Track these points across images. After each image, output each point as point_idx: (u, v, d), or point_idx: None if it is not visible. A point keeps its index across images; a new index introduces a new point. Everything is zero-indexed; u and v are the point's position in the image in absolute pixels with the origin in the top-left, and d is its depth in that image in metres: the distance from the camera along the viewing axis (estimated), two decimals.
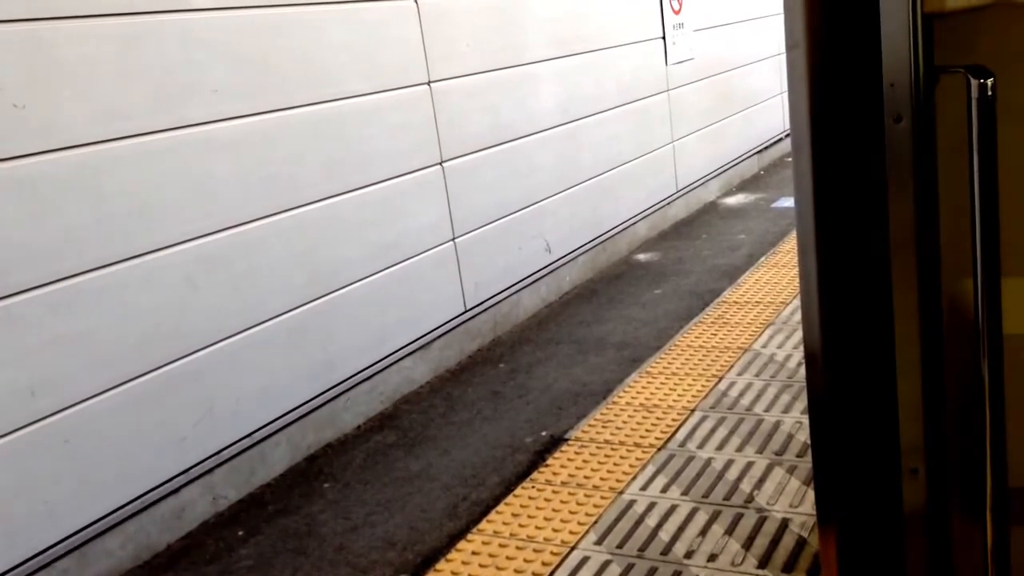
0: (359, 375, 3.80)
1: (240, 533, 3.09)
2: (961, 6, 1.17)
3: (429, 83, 4.12)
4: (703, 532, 2.64)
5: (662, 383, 3.70)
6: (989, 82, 1.12)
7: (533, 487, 3.02)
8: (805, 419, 3.25)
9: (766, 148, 8.16)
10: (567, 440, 3.33)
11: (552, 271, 5.12)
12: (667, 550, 2.58)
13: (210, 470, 3.19)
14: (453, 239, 4.34)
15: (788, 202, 6.92)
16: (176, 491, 3.08)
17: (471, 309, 4.47)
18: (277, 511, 3.21)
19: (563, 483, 3.02)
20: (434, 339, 4.21)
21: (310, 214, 3.55)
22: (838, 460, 1.31)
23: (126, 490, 2.94)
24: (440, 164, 4.22)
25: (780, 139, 8.34)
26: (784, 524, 2.62)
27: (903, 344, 1.24)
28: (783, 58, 1.44)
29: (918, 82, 1.14)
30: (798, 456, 2.98)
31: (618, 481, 2.98)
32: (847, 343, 1.29)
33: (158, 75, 2.99)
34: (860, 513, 1.35)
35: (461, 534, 2.86)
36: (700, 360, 3.87)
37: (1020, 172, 1.26)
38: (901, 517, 1.31)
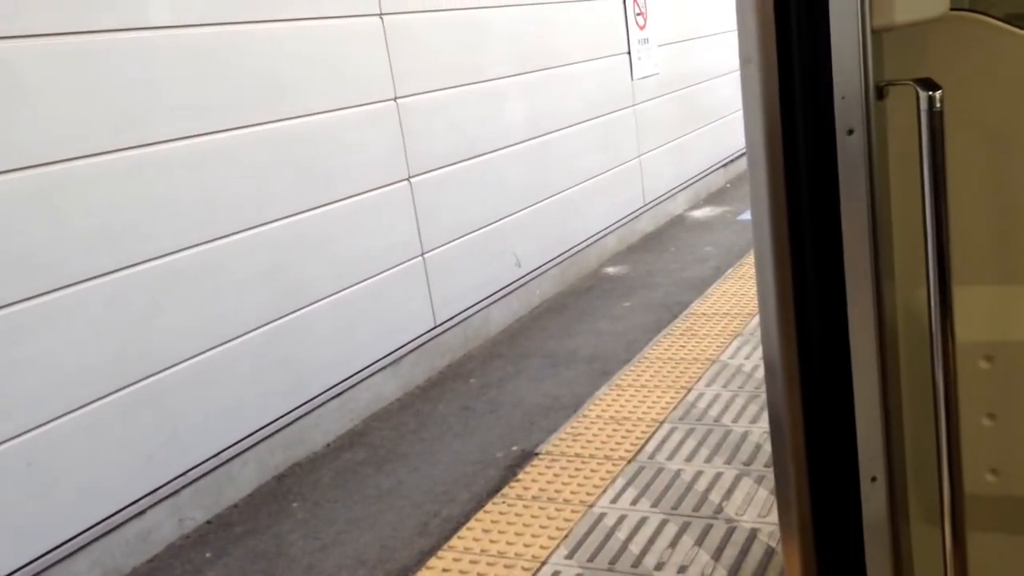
0: (328, 392, 3.78)
1: (208, 555, 3.06)
2: (909, 20, 1.19)
3: (395, 99, 4.12)
4: (673, 544, 2.65)
5: (632, 395, 3.71)
6: (937, 94, 1.15)
7: (504, 502, 3.01)
8: None
9: (732, 161, 8.24)
10: (538, 454, 3.33)
11: (522, 285, 5.13)
12: (637, 563, 2.59)
13: (177, 491, 3.15)
14: (422, 254, 4.33)
15: None
16: (142, 513, 3.04)
17: (441, 324, 4.46)
18: (245, 532, 3.17)
19: (534, 497, 3.02)
20: (404, 355, 4.20)
21: (276, 231, 3.54)
22: (798, 470, 1.32)
23: (91, 513, 2.90)
24: (408, 179, 4.22)
25: (745, 152, 8.42)
26: (753, 534, 2.64)
27: (859, 354, 1.26)
28: None
29: (868, 95, 1.16)
30: (766, 466, 3.00)
31: (588, 494, 2.99)
32: (805, 354, 1.31)
33: (118, 93, 2.97)
34: (821, 522, 1.36)
35: (432, 551, 2.85)
36: (669, 372, 3.89)
37: (969, 182, 1.29)
38: (861, 524, 1.32)
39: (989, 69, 1.27)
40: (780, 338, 1.31)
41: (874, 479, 1.29)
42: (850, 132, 1.18)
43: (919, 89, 1.15)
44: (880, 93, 1.22)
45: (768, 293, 1.30)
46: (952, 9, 1.25)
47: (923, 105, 1.14)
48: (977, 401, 1.34)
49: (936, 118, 1.14)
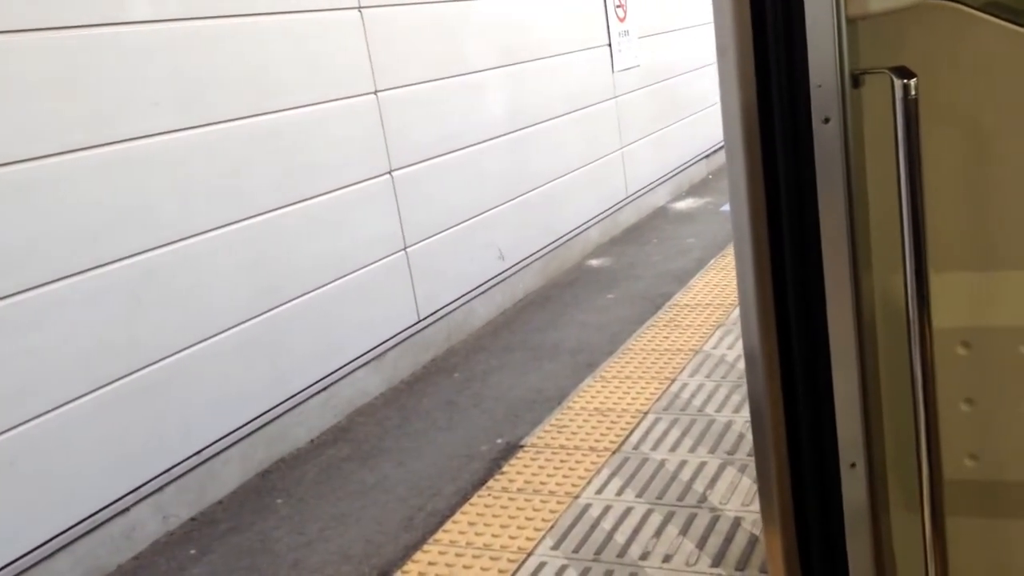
0: (311, 388, 3.77)
1: (192, 552, 3.05)
2: (884, 8, 1.20)
3: (376, 92, 4.10)
4: (658, 533, 2.66)
5: (616, 387, 3.72)
6: (912, 82, 1.15)
7: (489, 495, 3.01)
8: None
9: (714, 152, 8.26)
10: (523, 447, 3.34)
11: (505, 278, 5.13)
12: (623, 553, 2.59)
13: (160, 488, 3.14)
14: (404, 248, 4.33)
15: None
16: (126, 511, 3.02)
17: (424, 319, 4.46)
18: (229, 528, 3.16)
19: (519, 490, 3.02)
20: (387, 350, 4.19)
21: (257, 226, 3.52)
22: (779, 458, 1.33)
23: (74, 511, 2.88)
24: (389, 173, 4.21)
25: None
26: (737, 523, 2.65)
27: (838, 341, 1.27)
28: None
29: (844, 83, 1.17)
30: (749, 455, 3.02)
31: (574, 486, 2.99)
32: (785, 343, 1.32)
33: (96, 89, 2.94)
34: (802, 509, 1.37)
35: (417, 545, 2.85)
36: (653, 363, 3.90)
37: (945, 169, 1.30)
38: (842, 511, 1.33)
39: (964, 57, 1.28)
40: (760, 328, 1.31)
41: (853, 465, 1.30)
42: (826, 120, 1.18)
43: (894, 77, 1.16)
44: (856, 81, 1.23)
45: (747, 283, 1.31)
46: None
47: (898, 93, 1.15)
48: (955, 387, 1.35)
49: (911, 106, 1.15)
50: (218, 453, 3.35)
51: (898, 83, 1.15)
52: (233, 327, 3.43)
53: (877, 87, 1.24)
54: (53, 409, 2.82)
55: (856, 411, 1.28)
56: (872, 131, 1.27)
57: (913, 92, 1.15)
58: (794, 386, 1.33)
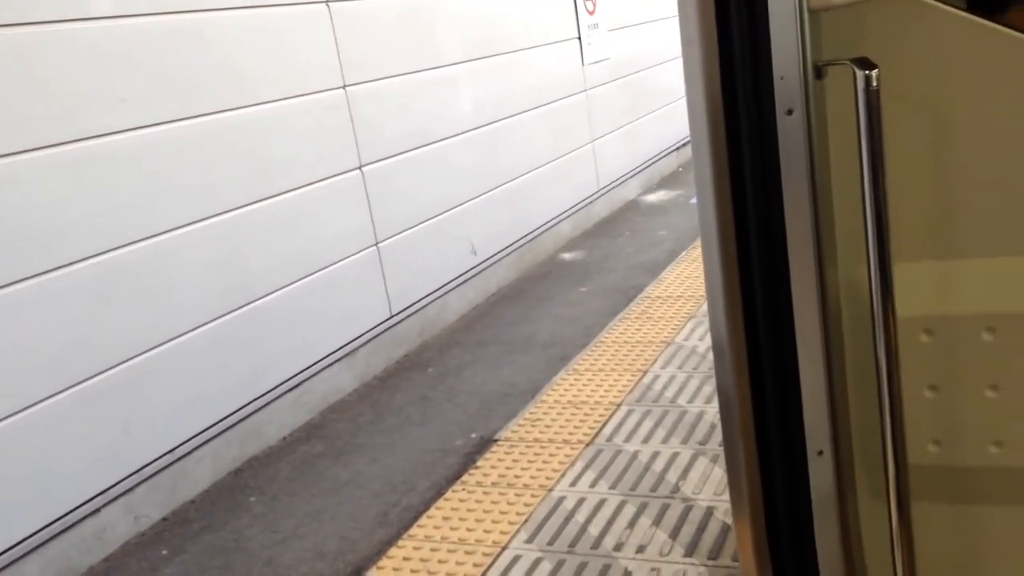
0: (283, 385, 3.75)
1: (164, 552, 3.02)
2: (845, 0, 1.21)
3: (344, 87, 4.08)
4: (631, 524, 2.68)
5: (589, 379, 3.73)
6: (873, 73, 1.17)
7: (464, 489, 3.02)
8: None
9: (684, 145, 8.30)
10: (497, 441, 3.34)
11: (478, 273, 5.13)
12: (597, 544, 2.61)
13: (131, 488, 3.11)
14: (376, 244, 4.31)
15: None
16: (96, 511, 3.00)
17: (397, 314, 4.45)
18: (202, 528, 3.14)
19: (493, 484, 3.02)
20: (360, 346, 4.18)
21: (226, 223, 3.49)
22: (747, 447, 1.34)
23: (44, 512, 2.85)
24: (359, 168, 4.19)
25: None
26: (709, 512, 2.67)
27: (804, 331, 1.28)
28: None
29: (807, 75, 1.18)
30: (721, 445, 3.04)
31: (548, 479, 3.00)
32: (752, 334, 1.33)
33: (61, 86, 2.90)
34: (771, 497, 1.39)
35: (392, 541, 2.84)
36: (625, 355, 3.92)
37: (908, 160, 1.31)
38: (810, 498, 1.35)
39: (926, 48, 1.29)
40: (727, 320, 1.33)
41: (821, 453, 1.32)
42: (789, 112, 1.19)
43: (856, 68, 1.17)
44: (819, 73, 1.24)
45: (715, 275, 1.32)
46: None
47: (860, 84, 1.16)
48: (919, 374, 1.37)
49: (873, 96, 1.16)
50: (190, 452, 3.33)
51: (859, 74, 1.16)
52: (203, 325, 3.40)
53: (839, 78, 1.26)
54: (21, 410, 2.79)
55: (822, 400, 1.30)
56: (835, 122, 1.28)
57: (875, 83, 1.16)
58: (762, 377, 1.35)
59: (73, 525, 2.92)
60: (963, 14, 1.28)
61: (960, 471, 1.42)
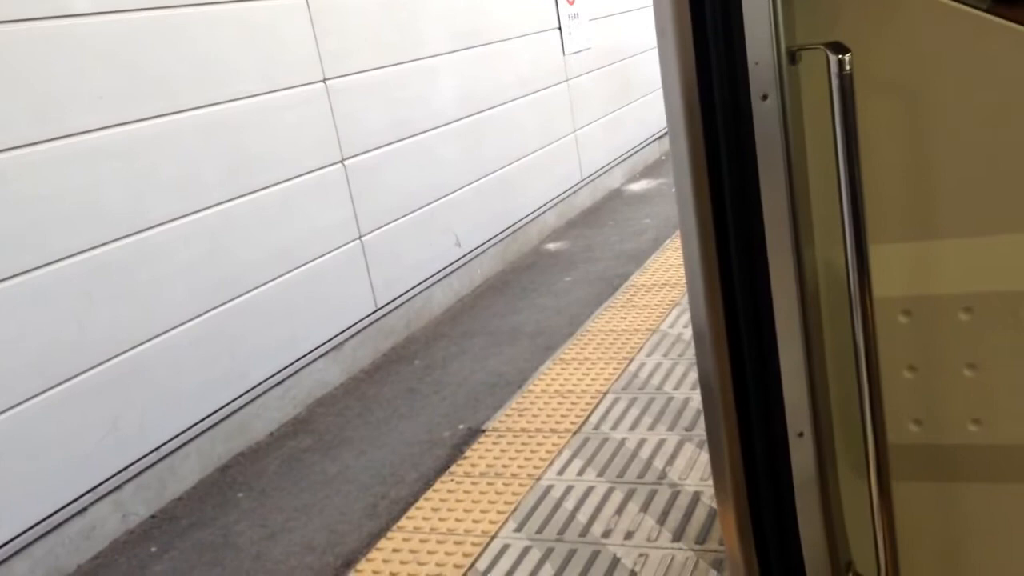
0: (270, 380, 3.74)
1: (153, 549, 3.02)
2: None
3: (324, 80, 4.07)
4: (619, 511, 2.69)
5: (575, 368, 3.75)
6: (846, 57, 1.17)
7: (452, 480, 3.03)
8: None
9: (666, 133, 8.30)
10: (484, 431, 3.35)
11: (463, 264, 5.13)
12: (585, 531, 2.62)
13: (119, 486, 3.10)
14: (359, 237, 4.31)
15: None
16: (84, 510, 2.99)
17: (383, 307, 4.45)
18: (191, 524, 3.14)
19: (481, 474, 3.03)
20: (346, 339, 4.18)
21: (210, 218, 3.48)
22: (729, 431, 1.36)
23: (32, 512, 2.84)
24: (341, 162, 4.18)
25: None
26: (696, 497, 2.69)
27: (783, 314, 1.29)
28: None
29: (780, 60, 1.19)
30: None
31: (535, 468, 3.02)
32: (732, 318, 1.34)
33: (40, 84, 2.89)
34: (754, 479, 1.40)
35: (381, 533, 2.85)
36: (611, 344, 3.93)
37: (883, 142, 1.32)
38: (791, 479, 1.36)
39: (897, 31, 1.30)
40: (707, 305, 1.34)
41: (801, 434, 1.33)
42: (764, 97, 1.20)
43: (829, 53, 1.18)
44: (793, 58, 1.25)
45: (694, 261, 1.33)
46: None
47: (833, 68, 1.17)
48: (898, 354, 1.39)
49: (846, 80, 1.17)
50: (177, 449, 3.32)
51: (833, 58, 1.17)
52: (189, 321, 3.39)
53: (813, 63, 1.27)
54: (6, 410, 2.78)
55: (802, 382, 1.31)
56: (810, 107, 1.29)
57: (848, 67, 1.17)
58: (742, 361, 1.36)
59: (61, 524, 2.92)
60: None
61: (940, 450, 1.44)
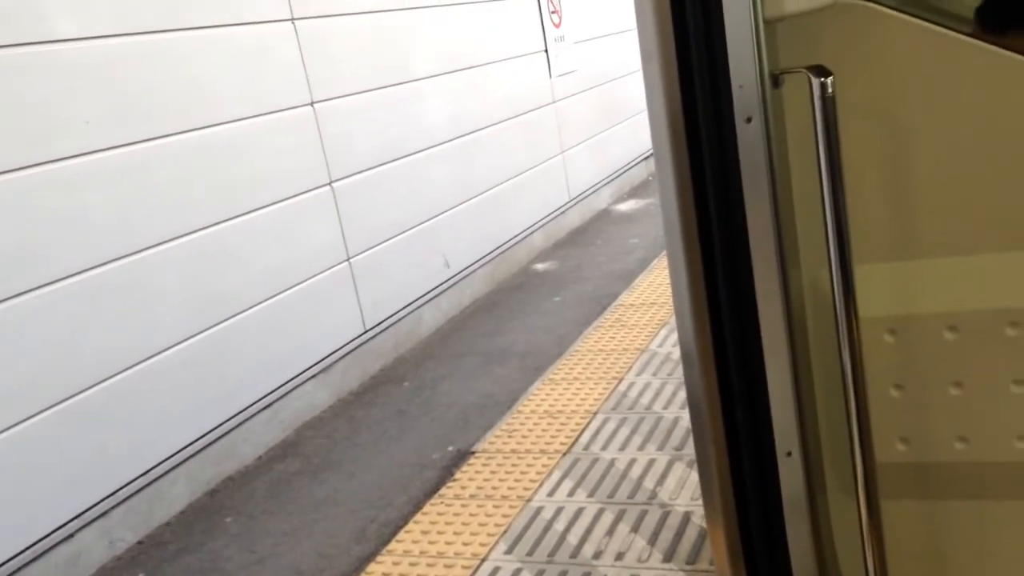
0: (258, 404, 3.73)
1: (140, 575, 2.99)
2: (800, 9, 1.24)
3: (312, 104, 4.09)
4: (610, 532, 2.69)
5: (565, 389, 3.75)
6: (828, 80, 1.19)
7: (442, 502, 3.01)
8: None
9: (653, 154, 8.35)
10: (474, 453, 3.34)
11: (452, 285, 5.13)
12: (576, 553, 2.62)
13: (106, 512, 3.08)
14: (348, 259, 4.31)
15: None
16: (70, 536, 2.96)
17: (371, 329, 4.44)
18: (179, 550, 3.12)
19: (472, 496, 3.03)
20: (335, 362, 4.17)
21: (198, 242, 3.48)
22: (718, 451, 1.36)
23: (17, 539, 2.81)
24: (329, 184, 4.19)
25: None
26: (687, 517, 2.69)
27: (770, 335, 1.30)
28: None
29: (764, 83, 1.20)
30: None
31: (526, 489, 3.01)
32: (719, 340, 1.35)
33: (25, 109, 2.89)
34: (743, 499, 1.41)
35: (371, 557, 2.84)
36: (600, 364, 3.94)
37: (866, 164, 1.34)
38: (780, 498, 1.37)
39: (880, 55, 1.32)
40: (695, 326, 1.34)
41: (790, 454, 1.34)
42: (748, 120, 1.22)
43: (811, 76, 1.20)
44: (776, 81, 1.27)
45: (680, 282, 1.34)
46: None
47: (816, 91, 1.19)
48: (884, 373, 1.40)
49: (829, 103, 1.19)
50: (165, 473, 3.30)
51: (815, 81, 1.19)
52: (177, 344, 3.38)
53: (796, 86, 1.28)
54: None
55: (790, 401, 1.32)
56: (794, 129, 1.31)
57: (830, 90, 1.19)
58: (730, 381, 1.37)
59: (47, 551, 2.89)
60: (915, 20, 1.31)
61: (927, 467, 1.45)
